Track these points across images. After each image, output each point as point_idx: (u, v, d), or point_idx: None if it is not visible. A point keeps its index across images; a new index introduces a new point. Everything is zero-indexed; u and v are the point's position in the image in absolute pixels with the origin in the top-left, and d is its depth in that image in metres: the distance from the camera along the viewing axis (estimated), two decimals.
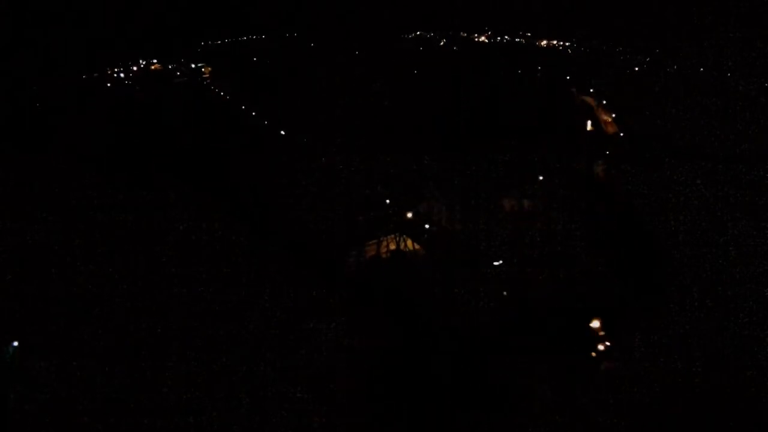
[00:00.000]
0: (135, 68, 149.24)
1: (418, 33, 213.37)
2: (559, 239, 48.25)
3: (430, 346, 34.89)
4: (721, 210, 52.96)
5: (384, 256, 47.47)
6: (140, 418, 29.09)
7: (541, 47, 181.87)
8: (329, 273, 43.40)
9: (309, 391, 30.99)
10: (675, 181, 61.15)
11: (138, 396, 30.39)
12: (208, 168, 67.03)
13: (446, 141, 75.09)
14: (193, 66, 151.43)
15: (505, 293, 40.49)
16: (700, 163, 65.72)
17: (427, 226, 51.36)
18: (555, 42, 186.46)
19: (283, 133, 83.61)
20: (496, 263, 44.14)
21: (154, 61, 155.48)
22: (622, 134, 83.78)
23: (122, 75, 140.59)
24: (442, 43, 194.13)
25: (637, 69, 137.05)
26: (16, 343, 34.53)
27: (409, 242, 49.03)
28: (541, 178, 62.10)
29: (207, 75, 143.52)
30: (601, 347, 34.36)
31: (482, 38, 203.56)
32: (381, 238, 49.44)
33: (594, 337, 35.16)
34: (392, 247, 48.66)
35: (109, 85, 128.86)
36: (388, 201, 55.69)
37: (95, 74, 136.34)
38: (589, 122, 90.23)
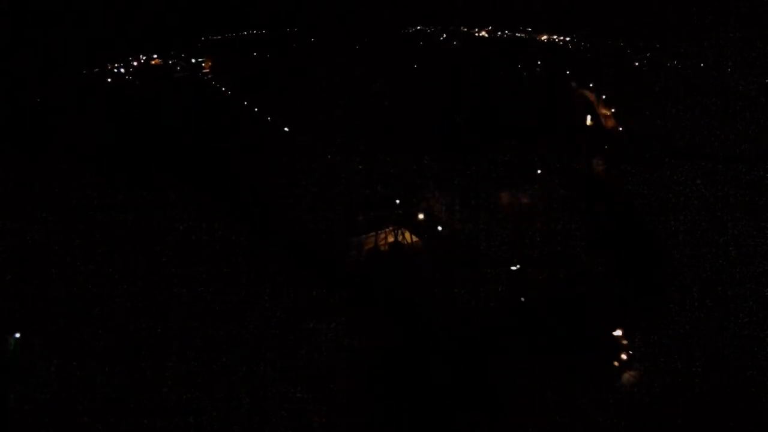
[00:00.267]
0: (135, 63, 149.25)
1: (419, 28, 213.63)
2: (559, 239, 48.24)
3: (430, 346, 34.89)
4: (721, 210, 52.97)
5: (384, 256, 47.48)
6: (140, 418, 29.10)
7: (542, 42, 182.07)
8: (329, 273, 43.38)
9: (309, 391, 31.00)
10: (675, 181, 61.18)
11: (138, 396, 30.40)
12: (208, 168, 67.01)
13: (446, 139, 75.21)
14: (193, 61, 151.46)
15: (505, 293, 40.48)
16: (700, 163, 65.75)
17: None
18: (555, 37, 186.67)
19: (283, 131, 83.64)
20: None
21: (155, 56, 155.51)
22: (621, 129, 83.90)
23: (122, 71, 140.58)
24: (442, 38, 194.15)
25: (637, 64, 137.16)
26: (18, 335, 34.94)
27: (409, 242, 49.05)
28: (541, 178, 62.15)
29: (207, 70, 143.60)
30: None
31: (483, 33, 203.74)
32: (380, 238, 49.46)
33: (594, 337, 35.18)
34: (392, 247, 48.68)
35: (109, 80, 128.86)
36: (388, 201, 55.72)
37: (95, 70, 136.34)
38: (588, 117, 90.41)
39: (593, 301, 38.85)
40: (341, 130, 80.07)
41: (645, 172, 64.10)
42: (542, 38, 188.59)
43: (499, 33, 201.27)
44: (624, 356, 32.92)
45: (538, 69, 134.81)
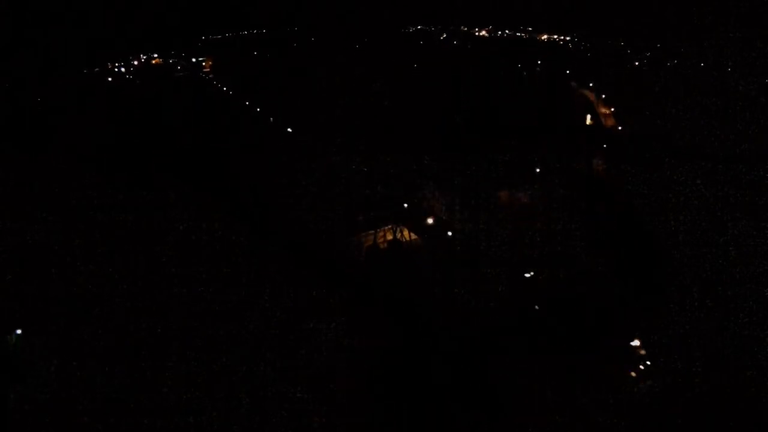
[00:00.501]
0: (135, 63, 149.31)
1: (419, 27, 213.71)
2: (559, 239, 48.24)
3: (430, 346, 34.90)
4: (721, 210, 52.95)
5: (383, 253, 47.48)
6: (140, 418, 29.10)
7: (542, 42, 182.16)
8: (329, 273, 43.38)
9: (309, 391, 30.99)
10: (675, 181, 61.17)
11: (138, 396, 30.40)
12: (208, 168, 67.03)
13: (446, 139, 75.23)
14: (193, 61, 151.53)
15: (505, 293, 40.48)
16: (700, 163, 65.74)
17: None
18: (555, 37, 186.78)
19: (283, 131, 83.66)
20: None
21: (155, 56, 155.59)
22: (620, 129, 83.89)
23: (122, 70, 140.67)
24: (442, 38, 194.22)
25: (637, 64, 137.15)
26: (19, 331, 35.22)
27: (408, 240, 49.05)
28: (541, 177, 62.15)
29: (208, 70, 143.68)
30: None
31: (483, 33, 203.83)
32: (379, 236, 49.48)
33: (594, 337, 35.17)
34: (392, 246, 48.69)
35: (109, 80, 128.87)
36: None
37: (95, 70, 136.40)
38: (588, 117, 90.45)
39: (593, 301, 38.86)
40: (341, 130, 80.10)
41: (645, 172, 64.09)
42: (542, 38, 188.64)
43: (499, 33, 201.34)
44: (642, 367, 32.47)
45: (538, 69, 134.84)
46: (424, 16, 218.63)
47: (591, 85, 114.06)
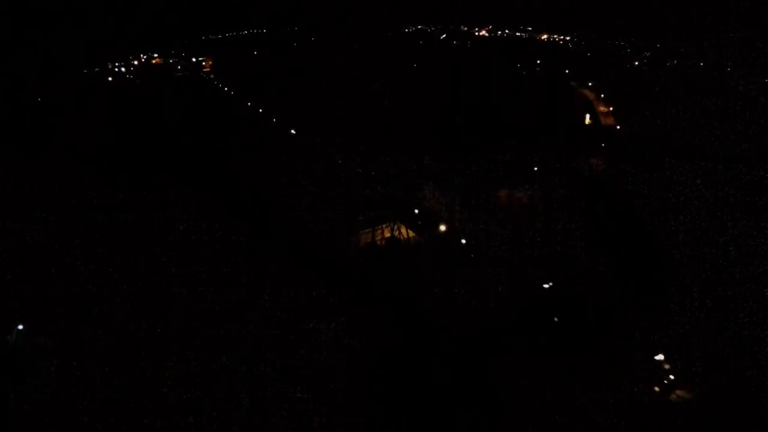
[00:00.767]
0: (135, 62, 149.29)
1: (419, 27, 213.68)
2: (559, 239, 48.24)
3: (430, 346, 34.89)
4: (721, 210, 52.95)
5: (381, 251, 47.49)
6: (140, 418, 29.10)
7: (542, 42, 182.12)
8: (329, 273, 43.38)
9: (309, 391, 31.00)
10: (675, 181, 61.16)
11: (138, 396, 30.40)
12: (208, 168, 67.02)
13: (446, 139, 75.25)
14: (193, 60, 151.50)
15: (505, 293, 40.48)
16: (700, 163, 65.74)
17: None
18: (555, 37, 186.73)
19: (282, 131, 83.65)
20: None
21: (155, 55, 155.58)
22: (620, 129, 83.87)
23: (123, 70, 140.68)
24: (442, 38, 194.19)
25: (637, 64, 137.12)
26: (21, 327, 35.45)
27: (406, 237, 49.06)
28: (540, 177, 62.17)
29: (208, 69, 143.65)
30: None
31: (483, 33, 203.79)
32: (377, 234, 49.50)
33: (594, 337, 35.17)
34: (389, 242, 48.72)
35: (109, 80, 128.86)
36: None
37: (95, 70, 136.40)
38: (588, 117, 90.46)
39: (593, 301, 38.86)
40: (341, 130, 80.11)
41: (645, 172, 64.10)
42: (542, 38, 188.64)
43: (499, 33, 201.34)
44: (666, 381, 32.07)
45: (538, 69, 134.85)
46: (424, 16, 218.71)
47: (591, 84, 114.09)
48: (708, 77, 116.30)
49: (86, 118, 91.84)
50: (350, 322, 36.77)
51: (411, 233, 49.41)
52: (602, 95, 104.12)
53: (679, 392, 31.46)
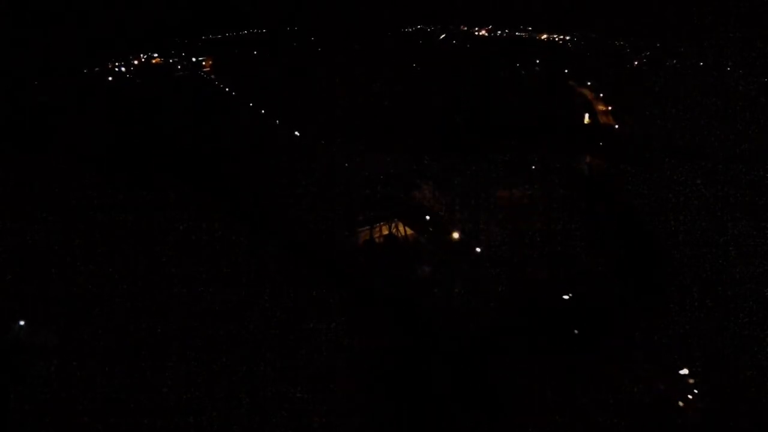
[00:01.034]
0: (135, 62, 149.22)
1: (419, 27, 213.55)
2: (559, 239, 48.24)
3: (430, 346, 34.89)
4: (721, 210, 52.93)
5: (379, 248, 47.53)
6: (140, 418, 29.10)
7: (542, 42, 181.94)
8: (329, 273, 43.38)
9: (309, 391, 30.99)
10: (675, 181, 61.13)
11: (138, 396, 30.39)
12: (208, 168, 67.01)
13: (446, 139, 75.23)
14: (193, 60, 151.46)
15: (505, 293, 40.48)
16: (700, 163, 65.68)
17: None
18: (555, 37, 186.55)
19: (282, 131, 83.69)
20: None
21: (155, 55, 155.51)
22: (620, 129, 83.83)
23: (122, 70, 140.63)
24: (442, 38, 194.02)
25: (636, 63, 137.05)
26: (22, 322, 35.76)
27: (403, 235, 49.09)
28: (541, 177, 62.16)
29: (208, 69, 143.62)
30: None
31: (483, 33, 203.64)
32: (375, 231, 49.54)
33: (594, 337, 35.17)
34: (387, 239, 48.76)
35: (109, 80, 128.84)
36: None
37: (95, 70, 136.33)
38: (588, 117, 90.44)
39: (593, 301, 38.86)
40: (341, 130, 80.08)
41: (645, 172, 64.07)
42: (542, 38, 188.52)
43: (499, 33, 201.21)
44: (690, 396, 31.45)
45: (538, 69, 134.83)
46: (424, 16, 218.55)
47: (590, 84, 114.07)
48: (708, 77, 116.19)
49: (86, 118, 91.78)
50: (350, 322, 36.77)
51: (409, 231, 49.46)
52: (602, 95, 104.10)
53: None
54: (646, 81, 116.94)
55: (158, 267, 43.59)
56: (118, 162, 67.87)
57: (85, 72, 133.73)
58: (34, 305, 38.05)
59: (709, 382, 31.37)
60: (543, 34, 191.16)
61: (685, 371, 32.57)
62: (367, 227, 49.85)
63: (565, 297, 39.46)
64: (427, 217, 52.36)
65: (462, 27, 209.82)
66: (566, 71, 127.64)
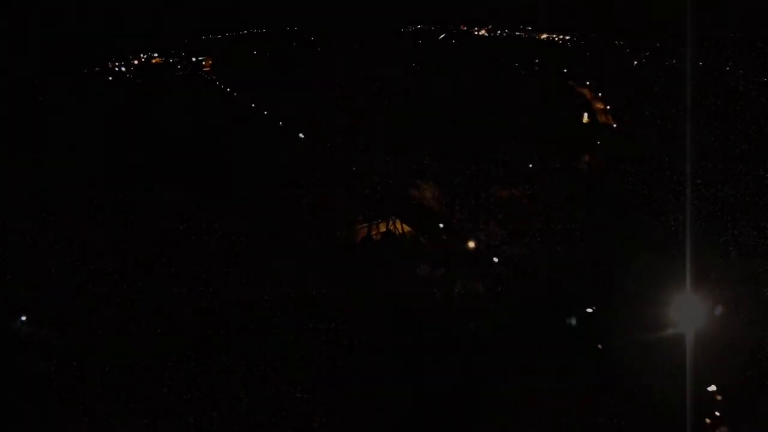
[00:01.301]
0: (135, 62, 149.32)
1: (419, 27, 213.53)
2: (559, 239, 48.22)
3: (429, 347, 34.88)
4: (721, 210, 52.91)
5: (377, 246, 47.61)
6: (140, 418, 29.09)
7: (542, 41, 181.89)
8: (329, 273, 43.37)
9: (309, 391, 30.99)
10: (675, 181, 61.09)
11: (138, 396, 30.39)
12: (208, 168, 67.02)
13: (446, 139, 75.25)
14: (193, 60, 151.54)
15: (505, 293, 40.50)
16: (700, 163, 65.61)
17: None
18: (555, 37, 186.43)
19: (282, 130, 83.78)
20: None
21: (155, 55, 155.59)
22: (620, 128, 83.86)
23: (123, 69, 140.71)
24: (441, 37, 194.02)
25: (636, 63, 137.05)
26: (24, 318, 36.08)
27: (401, 232, 49.14)
28: (540, 177, 62.17)
29: (208, 69, 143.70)
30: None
31: (482, 32, 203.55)
32: (372, 228, 49.60)
33: (594, 337, 35.18)
34: (388, 241, 48.82)
35: (109, 79, 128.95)
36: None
37: (95, 69, 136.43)
38: (588, 117, 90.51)
39: (593, 300, 38.83)
40: (341, 130, 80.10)
41: (645, 171, 64.03)
42: (542, 38, 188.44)
43: (499, 33, 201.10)
44: (717, 413, 30.78)
45: (537, 68, 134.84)
46: (424, 16, 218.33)
47: (590, 84, 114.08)
48: (708, 77, 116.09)
49: (86, 118, 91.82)
50: (350, 322, 36.76)
51: (407, 228, 49.51)
52: (601, 94, 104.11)
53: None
54: (646, 81, 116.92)
55: (158, 266, 43.61)
56: (118, 162, 67.90)
57: (85, 72, 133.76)
58: (34, 305, 38.10)
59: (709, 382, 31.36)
60: (543, 34, 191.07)
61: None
62: (365, 224, 49.93)
63: (589, 311, 38.83)
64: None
65: (462, 27, 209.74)
66: (566, 71, 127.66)
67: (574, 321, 37.00)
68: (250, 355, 33.71)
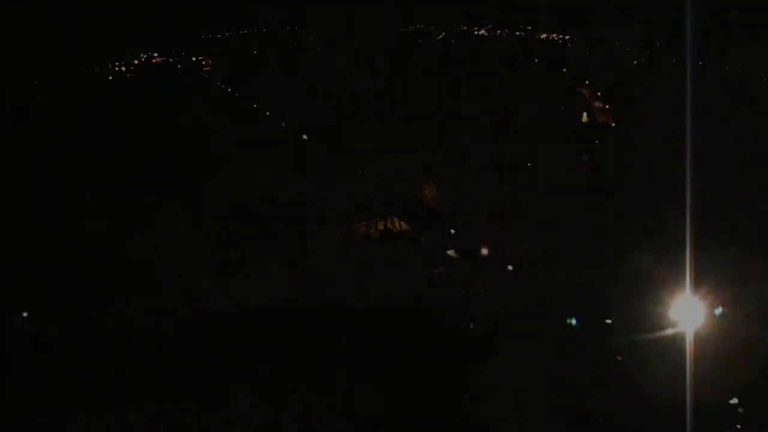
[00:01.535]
0: (135, 62, 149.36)
1: (419, 27, 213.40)
2: (559, 239, 48.23)
3: (429, 345, 34.90)
4: (720, 210, 52.88)
5: (376, 244, 47.66)
6: (140, 418, 29.10)
7: (541, 41, 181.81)
8: (329, 273, 43.39)
9: (309, 391, 31.00)
10: (675, 180, 60.96)
11: (138, 396, 30.40)
12: (208, 168, 67.07)
13: (446, 139, 75.30)
14: (193, 60, 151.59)
15: (505, 293, 40.52)
16: (701, 163, 65.51)
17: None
18: (555, 37, 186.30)
19: (283, 131, 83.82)
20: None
21: (155, 55, 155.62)
22: (620, 128, 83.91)
23: (123, 69, 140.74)
24: (440, 37, 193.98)
25: (636, 63, 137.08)
26: (25, 314, 36.28)
27: (399, 229, 49.18)
28: (540, 177, 62.23)
29: (208, 69, 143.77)
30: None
31: (482, 32, 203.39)
32: (374, 231, 49.65)
33: (593, 336, 35.17)
34: (383, 234, 48.88)
35: (109, 79, 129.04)
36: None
37: (95, 69, 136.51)
38: (588, 116, 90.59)
39: (593, 300, 38.82)
40: (341, 129, 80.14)
41: (644, 171, 64.01)
42: (542, 38, 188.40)
43: (499, 32, 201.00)
44: (738, 426, 30.06)
45: (537, 68, 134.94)
46: (424, 16, 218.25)
47: (590, 84, 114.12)
48: (708, 77, 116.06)
49: (86, 118, 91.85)
50: (350, 322, 36.77)
51: (404, 226, 49.56)
52: (601, 94, 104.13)
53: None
54: (646, 81, 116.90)
55: (158, 266, 43.64)
56: (118, 162, 67.94)
57: (85, 72, 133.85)
58: (33, 305, 38.11)
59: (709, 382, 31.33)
60: (543, 34, 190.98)
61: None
62: (364, 223, 50.00)
63: (608, 321, 38.32)
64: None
65: (462, 27, 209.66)
66: (565, 70, 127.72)
67: (574, 321, 36.96)
68: (250, 355, 33.72)
